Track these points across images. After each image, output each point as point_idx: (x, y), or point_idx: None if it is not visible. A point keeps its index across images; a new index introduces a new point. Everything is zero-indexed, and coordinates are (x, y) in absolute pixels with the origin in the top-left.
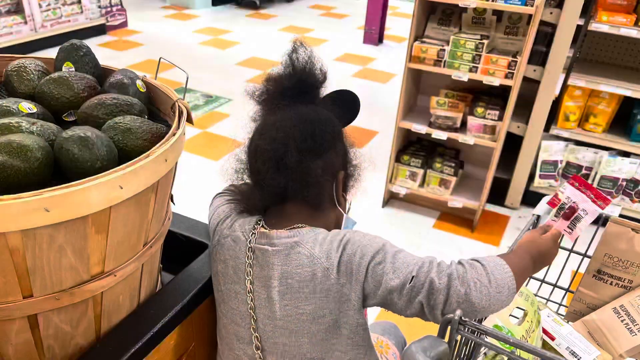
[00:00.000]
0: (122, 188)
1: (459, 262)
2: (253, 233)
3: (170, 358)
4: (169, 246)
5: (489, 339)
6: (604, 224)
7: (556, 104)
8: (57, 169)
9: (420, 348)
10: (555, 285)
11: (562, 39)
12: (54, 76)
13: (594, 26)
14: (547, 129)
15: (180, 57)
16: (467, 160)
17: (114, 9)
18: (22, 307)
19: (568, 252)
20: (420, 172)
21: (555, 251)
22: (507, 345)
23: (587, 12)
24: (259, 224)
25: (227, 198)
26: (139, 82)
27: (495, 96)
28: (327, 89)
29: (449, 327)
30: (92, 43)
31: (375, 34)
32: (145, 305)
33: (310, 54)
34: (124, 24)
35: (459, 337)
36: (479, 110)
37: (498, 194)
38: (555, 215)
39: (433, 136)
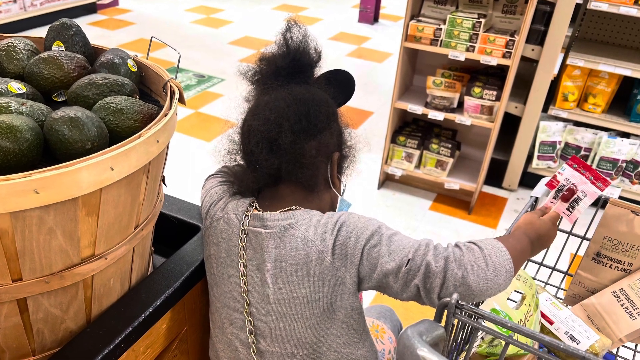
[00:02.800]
0: (113, 169)
1: (456, 245)
2: (246, 215)
3: (162, 342)
4: (160, 228)
5: (486, 323)
6: (603, 206)
7: (555, 84)
8: (46, 150)
9: (416, 332)
10: (553, 269)
11: (560, 17)
12: (44, 56)
13: (593, 5)
14: (545, 109)
15: (172, 36)
16: (464, 141)
17: None
18: (11, 291)
19: (567, 235)
20: (417, 153)
21: (553, 233)
22: (505, 330)
23: None
24: (253, 206)
25: (219, 180)
26: (130, 62)
27: (493, 76)
28: (322, 68)
29: (446, 311)
30: (82, 22)
31: (370, 12)
32: (136, 289)
33: (304, 33)
34: (114, 3)
35: (455, 321)
36: (476, 90)
37: (495, 176)
38: (554, 197)
39: (429, 117)
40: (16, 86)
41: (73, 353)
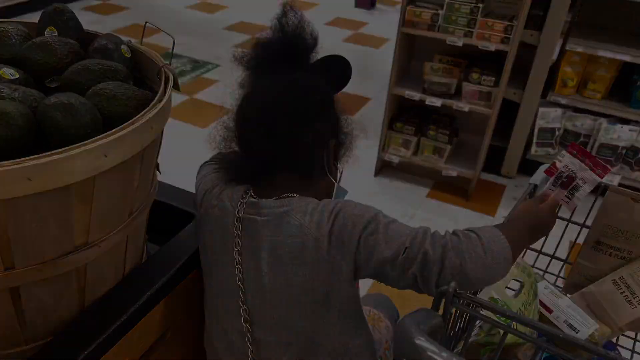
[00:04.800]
0: (106, 156)
1: (454, 233)
2: (241, 203)
3: (156, 331)
4: (154, 216)
5: (484, 312)
6: (603, 193)
7: (554, 69)
8: (39, 136)
9: (413, 321)
10: (552, 257)
11: (559, 2)
12: (37, 41)
13: None
14: (544, 95)
15: (166, 21)
16: (462, 127)
17: None
18: (3, 279)
19: (566, 222)
20: (414, 140)
21: (552, 221)
22: (504, 318)
23: None
24: (248, 194)
25: (214, 167)
26: (124, 47)
27: (491, 62)
28: (318, 54)
29: (444, 300)
30: (75, 7)
31: None
32: (130, 277)
33: (300, 18)
34: None
35: (453, 310)
36: (474, 76)
37: (494, 163)
38: (553, 184)
39: (427, 103)
40: (8, 72)
41: (66, 342)
